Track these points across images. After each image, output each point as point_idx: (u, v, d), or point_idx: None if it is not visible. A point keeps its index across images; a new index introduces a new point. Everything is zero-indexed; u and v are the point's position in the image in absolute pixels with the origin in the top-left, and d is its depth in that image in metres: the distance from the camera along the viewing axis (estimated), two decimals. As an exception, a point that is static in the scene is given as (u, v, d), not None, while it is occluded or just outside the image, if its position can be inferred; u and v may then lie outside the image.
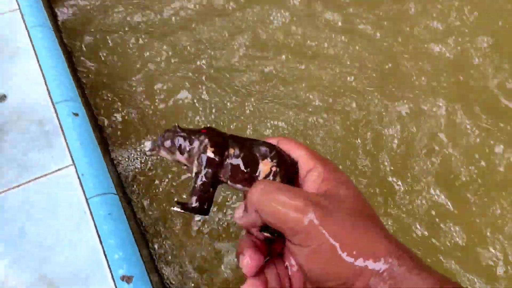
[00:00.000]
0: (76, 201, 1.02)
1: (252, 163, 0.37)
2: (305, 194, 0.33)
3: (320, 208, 0.32)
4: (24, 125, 1.09)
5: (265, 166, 0.37)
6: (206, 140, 0.37)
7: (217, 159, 0.37)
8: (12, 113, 1.07)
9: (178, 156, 0.38)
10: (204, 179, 0.37)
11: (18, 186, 0.90)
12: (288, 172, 0.38)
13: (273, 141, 0.40)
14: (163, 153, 0.39)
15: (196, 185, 0.37)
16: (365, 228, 0.32)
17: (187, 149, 0.38)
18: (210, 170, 0.37)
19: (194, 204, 0.37)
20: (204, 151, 0.37)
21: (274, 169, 0.37)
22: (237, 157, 0.37)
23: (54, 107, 1.27)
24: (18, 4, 1.87)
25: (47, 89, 1.34)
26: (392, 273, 0.30)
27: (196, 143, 0.38)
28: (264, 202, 0.34)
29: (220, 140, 0.38)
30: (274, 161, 0.38)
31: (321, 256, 0.31)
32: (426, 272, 0.30)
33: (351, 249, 0.30)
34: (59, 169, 1.08)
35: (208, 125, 0.40)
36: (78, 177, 1.04)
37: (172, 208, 0.37)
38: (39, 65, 1.57)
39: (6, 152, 0.88)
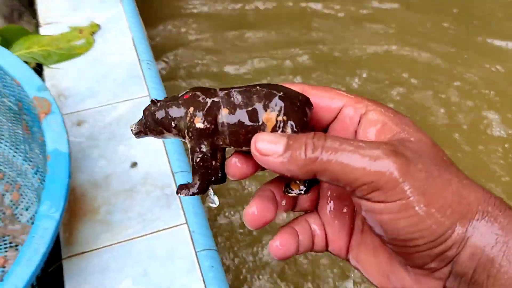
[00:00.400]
0: (188, 252, 1.18)
1: (252, 118, 0.30)
2: (377, 143, 0.27)
3: (402, 157, 0.26)
4: (149, 188, 1.31)
5: (268, 119, 0.30)
6: (191, 108, 0.30)
7: (208, 127, 0.30)
8: (140, 177, 1.29)
9: (167, 134, 0.32)
10: (200, 154, 0.31)
11: (143, 236, 1.08)
12: (300, 117, 0.30)
13: (296, 88, 0.31)
14: (151, 135, 0.33)
15: (194, 163, 0.31)
16: (451, 177, 0.27)
17: (172, 124, 0.31)
18: (205, 142, 0.31)
19: (198, 184, 0.31)
20: (191, 122, 0.30)
21: (280, 118, 0.30)
22: (232, 117, 0.30)
23: (173, 176, 1.48)
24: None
25: (168, 161, 1.57)
26: (496, 219, 0.26)
27: (179, 114, 0.31)
28: (325, 162, 0.26)
29: (207, 104, 0.30)
30: (278, 108, 0.30)
31: (410, 212, 0.25)
32: None
33: (443, 202, 0.26)
34: (175, 226, 1.28)
35: (194, 87, 0.32)
36: (190, 233, 1.19)
37: (177, 194, 0.32)
38: (163, 141, 1.85)
39: (134, 208, 1.07)
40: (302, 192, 0.30)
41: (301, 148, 0.27)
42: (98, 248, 0.87)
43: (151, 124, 0.32)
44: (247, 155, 0.31)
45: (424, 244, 0.26)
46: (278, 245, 0.31)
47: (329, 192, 0.33)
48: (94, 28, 1.14)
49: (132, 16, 1.17)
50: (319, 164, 0.26)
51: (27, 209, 0.88)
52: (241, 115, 0.30)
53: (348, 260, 0.33)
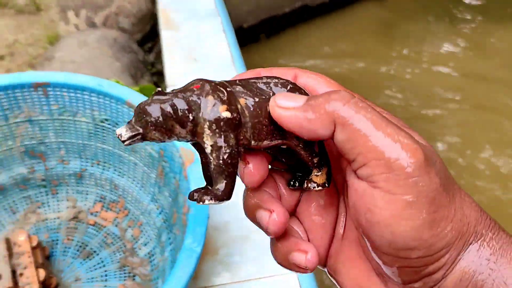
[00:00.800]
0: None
1: (267, 106, 0.27)
2: (407, 132, 0.25)
3: (424, 154, 0.24)
4: (263, 236, 1.39)
5: None
6: (210, 97, 0.26)
7: (235, 116, 0.26)
8: (252, 226, 1.37)
9: (179, 130, 0.26)
10: (228, 149, 0.26)
11: (259, 278, 1.17)
12: None
13: (289, 73, 0.29)
14: (153, 135, 0.26)
15: (220, 162, 0.26)
16: (455, 192, 0.25)
17: (190, 117, 0.26)
18: (231, 135, 0.26)
19: (225, 187, 0.26)
20: (216, 112, 0.26)
21: None
22: (253, 107, 0.27)
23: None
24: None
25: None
26: (489, 243, 0.24)
27: (197, 104, 0.26)
28: (358, 117, 0.24)
29: (227, 92, 0.27)
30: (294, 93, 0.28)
31: (415, 215, 0.23)
32: None
33: (447, 215, 0.24)
34: (286, 273, 1.35)
35: (197, 78, 0.28)
36: (299, 282, 1.24)
37: (197, 201, 0.27)
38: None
39: (250, 253, 1.16)
40: (326, 185, 0.28)
41: (325, 99, 0.25)
42: (219, 285, 0.97)
43: (159, 120, 0.26)
44: (258, 156, 0.28)
45: (418, 258, 0.24)
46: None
47: (312, 196, 0.30)
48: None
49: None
50: (342, 117, 0.24)
51: (145, 245, 1.03)
52: (261, 105, 0.27)
53: (326, 269, 0.31)
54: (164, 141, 0.27)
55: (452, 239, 0.24)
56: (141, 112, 0.26)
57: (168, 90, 0.28)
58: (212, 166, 0.26)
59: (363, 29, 2.11)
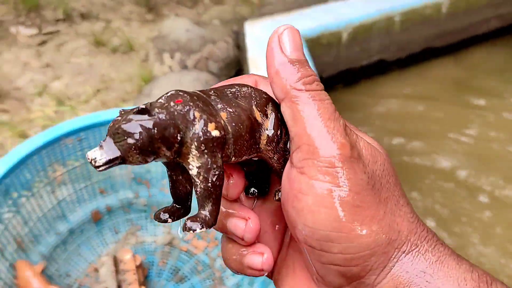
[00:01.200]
0: None
1: (248, 119, 0.26)
2: (349, 132, 0.26)
3: (355, 151, 0.25)
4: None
5: (263, 116, 0.27)
6: (197, 114, 0.24)
7: (223, 134, 0.25)
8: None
9: (164, 152, 0.24)
10: (217, 171, 0.24)
11: None
12: (279, 109, 0.28)
13: (250, 80, 0.30)
14: (135, 159, 0.23)
15: (209, 185, 0.24)
16: (390, 197, 0.25)
17: (178, 137, 0.24)
18: (219, 155, 0.24)
19: (212, 210, 0.25)
20: (205, 131, 0.24)
21: (270, 112, 0.27)
22: (234, 122, 0.25)
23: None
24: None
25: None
26: (425, 255, 0.25)
27: (186, 123, 0.24)
28: (305, 100, 0.25)
29: (210, 107, 0.25)
30: (265, 103, 0.27)
31: (335, 204, 0.24)
32: (459, 256, 0.25)
33: (372, 214, 0.24)
34: None
35: (172, 90, 0.25)
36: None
37: (188, 231, 0.25)
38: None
39: None
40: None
41: (295, 74, 0.26)
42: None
43: (143, 142, 0.23)
44: (236, 167, 0.28)
45: (339, 253, 0.24)
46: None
47: (266, 203, 0.30)
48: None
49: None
50: (294, 96, 0.26)
51: (233, 275, 1.08)
52: (241, 119, 0.26)
53: (272, 279, 0.31)
54: (142, 164, 0.24)
55: (379, 242, 0.24)
56: (120, 133, 0.23)
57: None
58: (199, 189, 0.24)
59: (436, 84, 2.14)
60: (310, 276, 0.28)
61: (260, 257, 0.27)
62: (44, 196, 1.00)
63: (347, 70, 1.98)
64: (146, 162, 0.24)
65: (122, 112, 0.24)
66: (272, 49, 0.27)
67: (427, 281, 0.24)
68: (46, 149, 0.96)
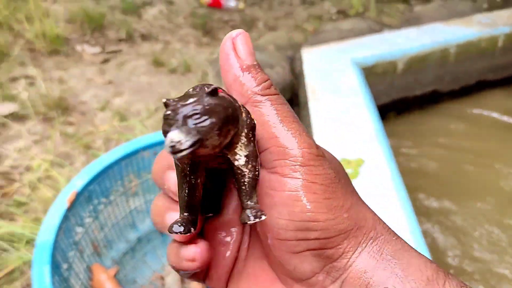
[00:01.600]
0: None
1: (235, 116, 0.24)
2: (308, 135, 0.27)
3: (320, 151, 0.27)
4: None
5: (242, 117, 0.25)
6: (238, 103, 0.24)
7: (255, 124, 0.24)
8: None
9: (230, 136, 0.23)
10: (259, 159, 0.25)
11: None
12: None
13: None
14: (214, 141, 0.22)
15: (256, 173, 0.24)
16: (353, 191, 0.28)
17: (245, 120, 0.24)
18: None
19: (258, 202, 0.25)
20: (249, 118, 0.24)
21: (243, 109, 0.25)
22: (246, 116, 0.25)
23: None
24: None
25: None
26: (390, 243, 0.26)
27: (242, 109, 0.24)
28: (267, 105, 0.26)
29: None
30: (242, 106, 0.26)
31: (310, 195, 0.25)
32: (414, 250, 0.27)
33: (342, 204, 0.26)
34: None
35: (201, 83, 0.25)
36: None
37: (257, 218, 0.24)
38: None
39: None
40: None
41: (254, 81, 0.27)
42: None
43: (224, 120, 0.22)
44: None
45: (316, 239, 0.25)
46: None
47: (221, 217, 0.30)
48: (360, 162, 1.42)
49: (389, 155, 1.42)
50: (256, 101, 0.27)
51: None
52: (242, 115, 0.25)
53: None
54: (215, 151, 0.22)
55: (350, 227, 0.26)
56: (200, 112, 0.21)
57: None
58: (247, 179, 0.24)
59: (488, 117, 2.11)
60: (274, 278, 0.28)
61: (193, 247, 0.27)
62: (119, 204, 1.05)
63: (401, 99, 1.98)
64: (220, 147, 0.22)
65: (176, 99, 0.22)
66: (227, 55, 0.28)
67: (394, 263, 0.26)
68: (125, 160, 1.02)
